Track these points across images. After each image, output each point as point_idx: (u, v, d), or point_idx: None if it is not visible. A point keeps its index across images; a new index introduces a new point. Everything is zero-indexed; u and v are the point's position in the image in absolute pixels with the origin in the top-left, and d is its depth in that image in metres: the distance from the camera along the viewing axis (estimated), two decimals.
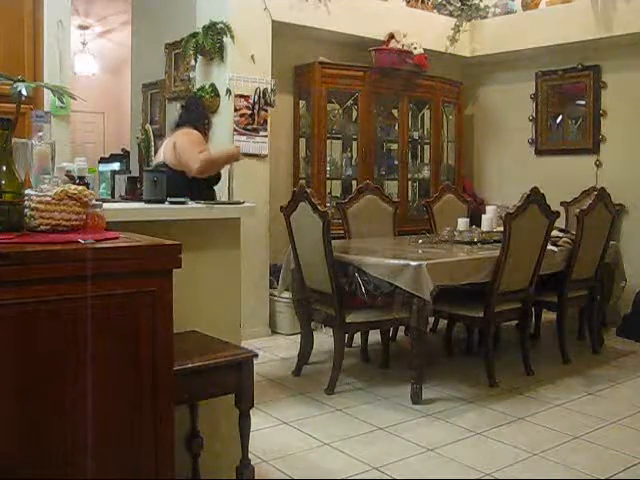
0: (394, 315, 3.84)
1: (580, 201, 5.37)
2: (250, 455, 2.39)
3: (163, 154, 3.91)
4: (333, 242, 3.80)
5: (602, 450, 3.09)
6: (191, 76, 5.25)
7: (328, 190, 5.72)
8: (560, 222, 4.56)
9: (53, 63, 4.11)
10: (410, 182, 6.24)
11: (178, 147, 3.85)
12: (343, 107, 5.77)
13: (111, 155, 8.42)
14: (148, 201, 2.60)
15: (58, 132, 3.96)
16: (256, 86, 4.98)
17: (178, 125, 4.04)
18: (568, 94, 6.12)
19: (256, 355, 2.34)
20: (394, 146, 6.12)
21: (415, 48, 5.71)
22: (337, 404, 3.67)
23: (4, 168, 1.70)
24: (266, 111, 5.06)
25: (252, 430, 2.38)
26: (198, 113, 4.13)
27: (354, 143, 5.83)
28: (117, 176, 4.84)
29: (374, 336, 4.48)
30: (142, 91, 6.32)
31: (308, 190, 3.91)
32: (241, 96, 4.93)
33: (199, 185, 3.79)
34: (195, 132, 3.95)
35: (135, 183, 3.69)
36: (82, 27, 8.96)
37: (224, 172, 3.96)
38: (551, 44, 5.78)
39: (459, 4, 6.35)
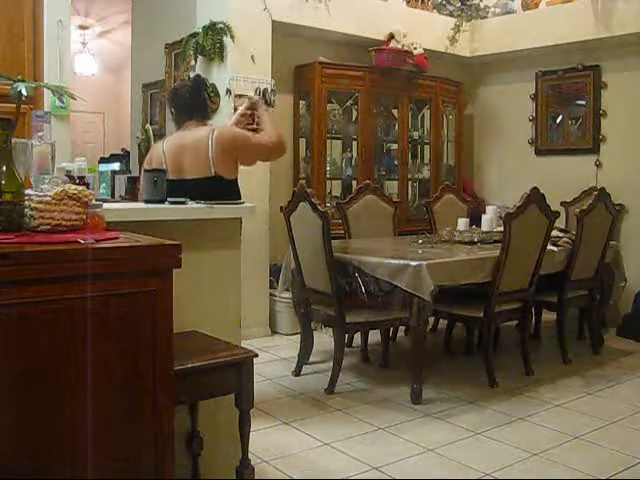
0: (394, 315, 3.84)
1: (580, 201, 5.36)
2: (250, 455, 2.38)
3: (214, 168, 3.19)
4: (333, 242, 3.80)
5: (602, 450, 3.09)
6: (191, 76, 5.25)
7: (328, 190, 5.73)
8: (560, 222, 4.56)
9: (53, 63, 4.10)
10: (410, 182, 6.23)
11: (237, 143, 3.29)
12: (343, 107, 5.77)
13: (111, 155, 8.41)
14: (148, 201, 2.60)
15: (58, 132, 3.96)
16: (256, 86, 4.98)
17: (189, 115, 3.34)
18: (568, 94, 6.11)
19: (256, 355, 2.34)
20: (394, 146, 6.12)
21: (415, 48, 5.71)
22: (337, 404, 3.67)
23: (4, 168, 1.70)
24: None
25: (252, 430, 2.38)
26: (206, 107, 3.48)
27: (354, 143, 5.83)
28: (117, 176, 4.84)
29: (374, 336, 4.48)
30: (142, 91, 6.32)
31: (308, 190, 3.90)
32: (241, 96, 4.93)
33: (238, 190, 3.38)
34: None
35: (135, 183, 3.69)
36: (82, 27, 8.96)
37: None
38: (551, 44, 5.78)
39: (459, 4, 6.35)
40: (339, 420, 3.46)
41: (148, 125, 5.29)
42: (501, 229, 4.01)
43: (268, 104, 5.04)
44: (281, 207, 4.12)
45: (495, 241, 4.29)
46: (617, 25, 5.35)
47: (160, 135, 5.76)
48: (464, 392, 3.86)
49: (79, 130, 8.80)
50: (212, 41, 4.85)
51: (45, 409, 1.53)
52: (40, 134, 2.10)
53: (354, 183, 5.66)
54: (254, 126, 3.54)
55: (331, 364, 3.88)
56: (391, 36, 5.68)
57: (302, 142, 5.66)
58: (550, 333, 4.89)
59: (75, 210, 1.76)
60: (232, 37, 4.85)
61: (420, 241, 4.44)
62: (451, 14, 6.32)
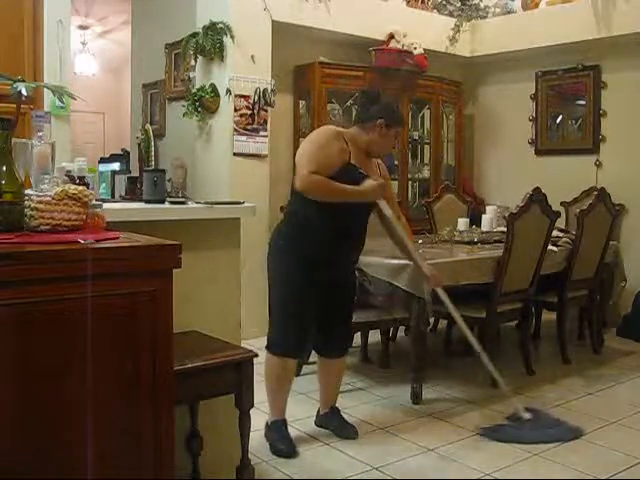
0: (394, 315, 3.83)
1: (580, 201, 5.37)
2: (250, 455, 2.39)
3: None
4: None
5: (602, 450, 3.09)
6: (191, 76, 5.25)
7: None
8: (560, 222, 4.55)
9: (53, 63, 4.10)
10: (410, 182, 6.23)
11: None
12: (343, 107, 5.76)
13: (111, 155, 8.41)
14: (148, 201, 2.60)
15: (58, 132, 3.95)
16: (256, 86, 4.98)
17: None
18: (568, 94, 6.11)
19: (256, 355, 2.34)
20: None
21: (415, 48, 5.71)
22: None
23: (4, 168, 1.70)
24: (266, 111, 5.06)
25: (252, 430, 2.38)
26: (369, 109, 3.12)
27: None
28: (117, 176, 4.84)
29: (374, 336, 4.48)
30: (142, 91, 6.31)
31: None
32: (241, 96, 4.93)
33: None
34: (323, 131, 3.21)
35: (135, 183, 3.69)
36: (82, 27, 8.95)
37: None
38: (551, 44, 5.78)
39: (459, 4, 6.35)
40: None
41: (148, 125, 5.29)
42: (501, 229, 4.01)
43: (268, 104, 5.04)
44: (281, 207, 4.10)
45: (495, 241, 4.29)
46: (617, 25, 5.35)
47: (160, 135, 5.76)
48: (464, 392, 3.87)
49: (79, 130, 8.78)
50: (212, 41, 4.84)
51: (45, 409, 1.53)
52: (40, 134, 2.10)
53: None
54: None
55: None
56: (391, 36, 5.68)
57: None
58: (550, 333, 4.89)
59: (75, 210, 1.76)
60: (232, 37, 4.85)
61: (420, 241, 4.44)
62: (451, 14, 6.31)
